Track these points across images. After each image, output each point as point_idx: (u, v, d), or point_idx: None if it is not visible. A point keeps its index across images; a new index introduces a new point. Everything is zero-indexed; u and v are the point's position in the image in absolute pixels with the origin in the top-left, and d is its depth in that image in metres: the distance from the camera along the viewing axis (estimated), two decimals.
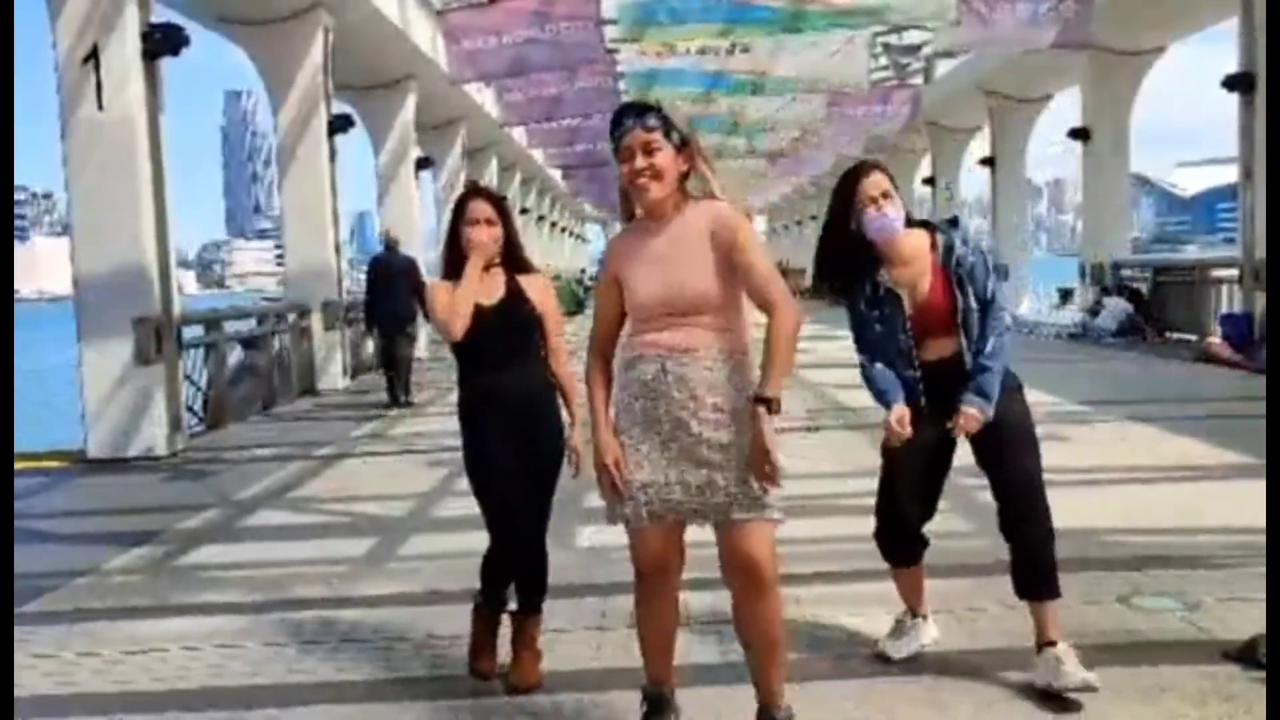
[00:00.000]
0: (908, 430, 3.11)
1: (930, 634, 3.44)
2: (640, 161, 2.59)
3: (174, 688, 3.43)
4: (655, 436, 2.61)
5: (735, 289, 2.62)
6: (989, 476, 3.23)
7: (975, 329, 3.16)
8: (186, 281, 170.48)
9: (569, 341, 3.57)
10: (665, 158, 2.60)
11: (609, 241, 2.78)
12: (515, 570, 3.40)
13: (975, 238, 3.38)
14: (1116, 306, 14.84)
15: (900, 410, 3.13)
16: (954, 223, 3.36)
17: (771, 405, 2.50)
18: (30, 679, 3.52)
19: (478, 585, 3.49)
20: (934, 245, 3.23)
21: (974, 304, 3.17)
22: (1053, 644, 3.08)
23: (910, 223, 3.26)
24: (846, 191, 3.24)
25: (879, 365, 3.22)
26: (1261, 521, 3.15)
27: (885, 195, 3.19)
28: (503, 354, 3.31)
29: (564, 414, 3.40)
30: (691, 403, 2.58)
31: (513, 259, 3.43)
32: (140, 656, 3.71)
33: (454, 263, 3.36)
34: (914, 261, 3.23)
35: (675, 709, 2.81)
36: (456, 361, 3.39)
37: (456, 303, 3.25)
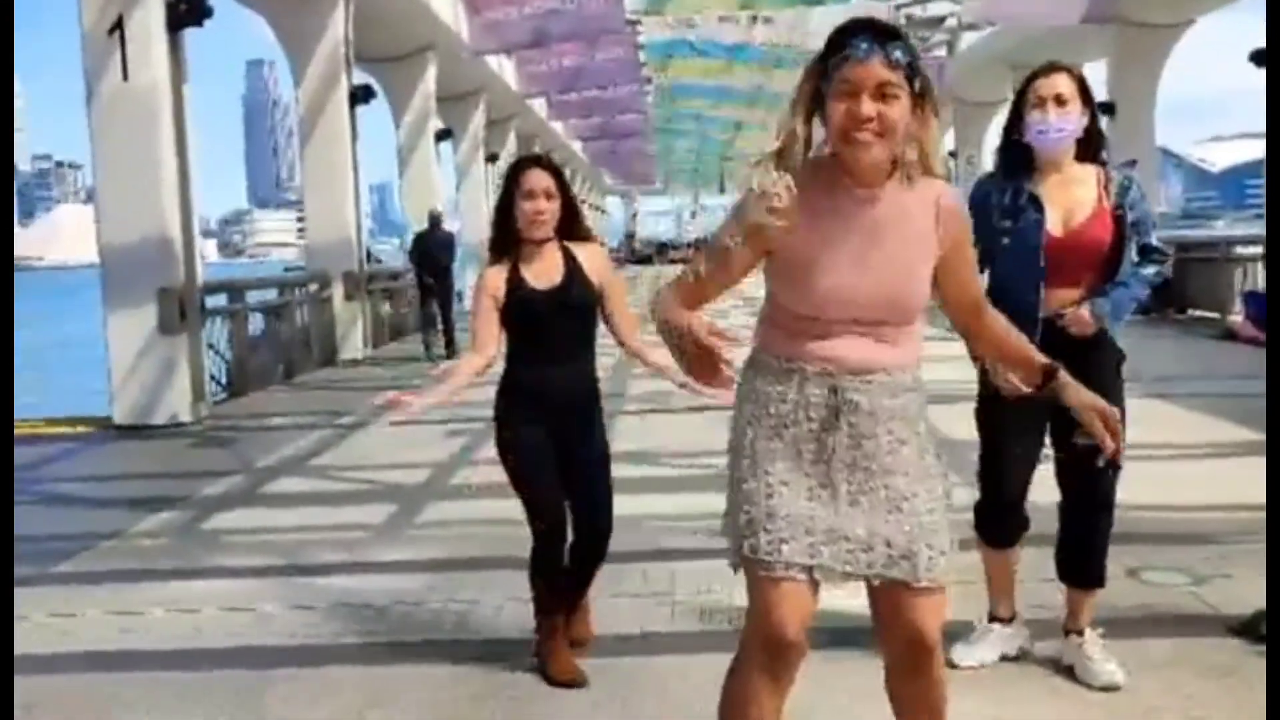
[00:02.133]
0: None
1: (1012, 642, 3.10)
2: (869, 107, 1.86)
3: (197, 647, 3.52)
4: (806, 476, 1.99)
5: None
6: (1062, 446, 2.91)
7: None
8: (208, 250, 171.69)
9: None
10: (902, 110, 1.87)
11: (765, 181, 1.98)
12: (584, 548, 3.15)
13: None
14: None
15: None
16: (1131, 164, 2.93)
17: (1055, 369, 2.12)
18: (57, 638, 3.63)
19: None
20: (1105, 183, 2.84)
21: (1134, 255, 2.83)
22: (1080, 633, 3.01)
23: (1083, 157, 2.86)
24: (1019, 92, 2.84)
25: None
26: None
27: (1059, 100, 2.76)
28: (557, 345, 3.05)
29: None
30: (866, 441, 1.97)
31: (569, 228, 3.10)
32: (165, 617, 3.82)
33: (504, 237, 3.08)
34: (1073, 186, 2.83)
35: None
36: (506, 347, 3.10)
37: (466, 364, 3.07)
